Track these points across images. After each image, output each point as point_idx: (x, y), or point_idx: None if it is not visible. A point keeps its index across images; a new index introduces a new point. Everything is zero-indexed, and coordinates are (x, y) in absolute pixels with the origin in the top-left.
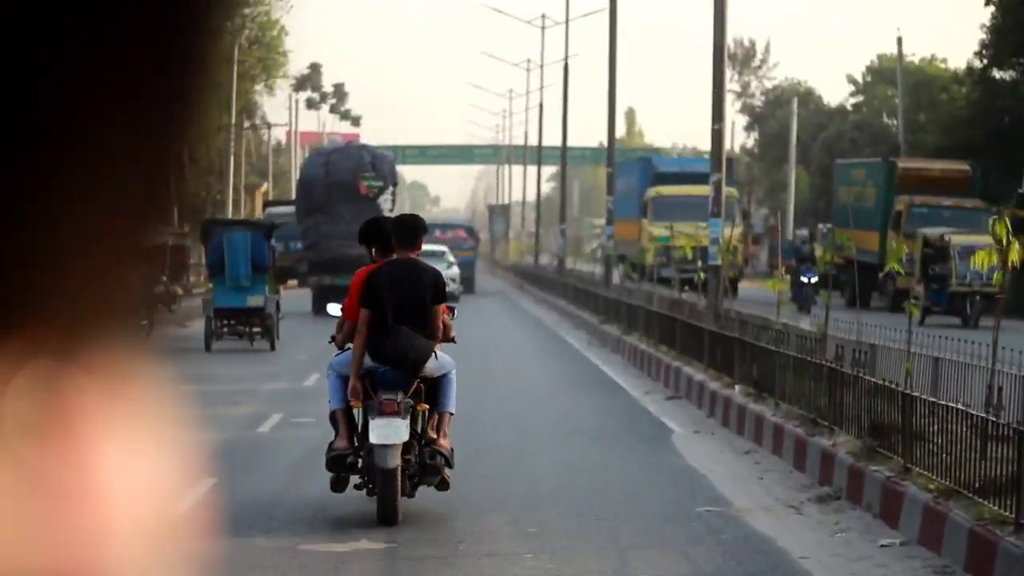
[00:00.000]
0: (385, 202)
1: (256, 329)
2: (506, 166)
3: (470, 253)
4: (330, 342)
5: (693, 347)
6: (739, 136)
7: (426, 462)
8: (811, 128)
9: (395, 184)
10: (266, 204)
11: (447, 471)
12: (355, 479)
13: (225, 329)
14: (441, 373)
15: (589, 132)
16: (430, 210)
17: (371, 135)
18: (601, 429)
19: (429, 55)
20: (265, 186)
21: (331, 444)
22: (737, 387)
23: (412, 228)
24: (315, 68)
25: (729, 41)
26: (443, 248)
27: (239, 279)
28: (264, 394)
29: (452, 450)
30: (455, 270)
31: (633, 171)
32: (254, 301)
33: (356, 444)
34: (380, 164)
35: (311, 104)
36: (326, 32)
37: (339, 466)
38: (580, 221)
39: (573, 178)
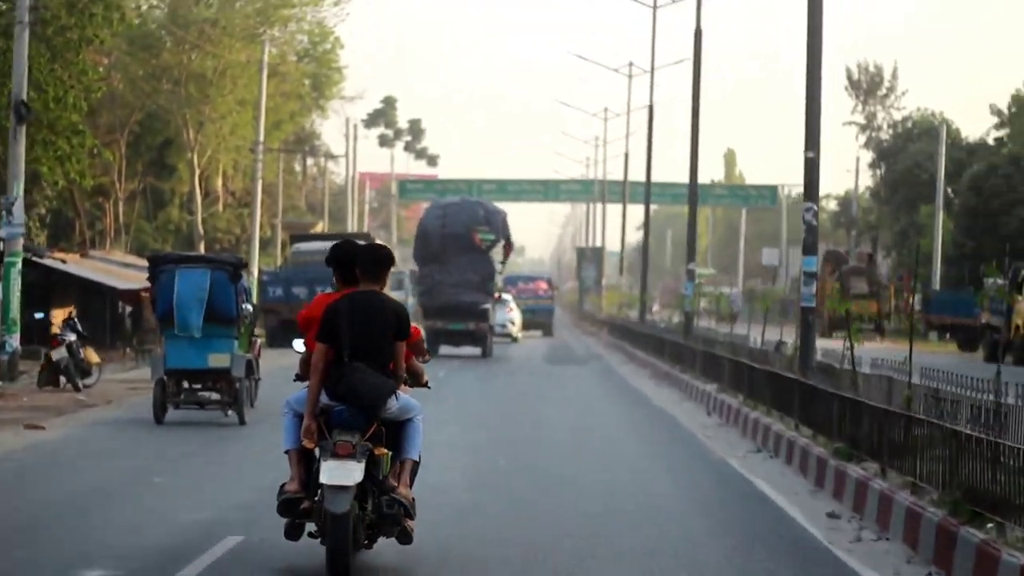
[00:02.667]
0: (497, 254)
1: (220, 397)
2: (598, 204)
3: (549, 302)
4: (295, 380)
5: None
6: (864, 174)
7: (384, 511)
8: (949, 164)
9: (508, 238)
10: (293, 239)
11: (409, 522)
12: (311, 527)
13: (181, 396)
14: (405, 417)
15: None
16: (514, 260)
17: (448, 175)
18: None
19: (509, 93)
20: (320, 225)
21: (282, 487)
22: None
23: (378, 261)
24: (389, 103)
25: (852, 67)
26: (507, 296)
27: (190, 328)
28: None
29: (413, 500)
30: (516, 315)
31: None
32: (217, 360)
33: (310, 488)
34: (493, 218)
35: (384, 141)
36: (398, 64)
37: (291, 511)
38: (675, 272)
39: (665, 227)
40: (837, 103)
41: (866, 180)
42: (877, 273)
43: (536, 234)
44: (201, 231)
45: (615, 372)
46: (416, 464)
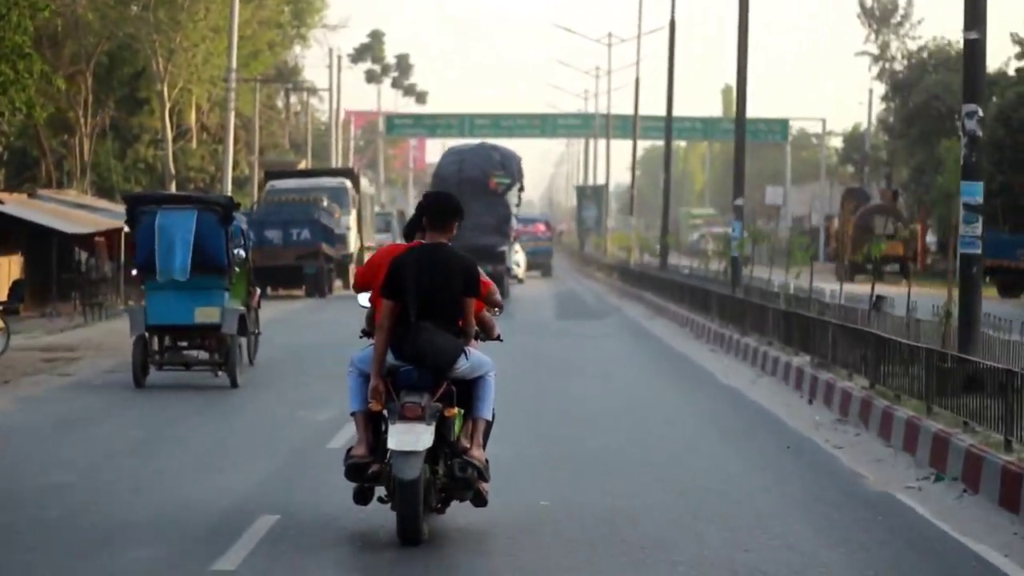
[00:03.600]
0: (512, 197)
1: (208, 355)
2: (598, 139)
3: (548, 243)
4: (361, 337)
5: None
6: (876, 107)
7: (456, 475)
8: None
9: (522, 181)
10: (268, 176)
11: (483, 484)
12: (381, 490)
13: (164, 355)
14: (476, 375)
15: (689, 107)
16: None
17: (437, 110)
18: None
19: (502, 27)
20: (304, 163)
21: (349, 451)
22: None
23: (445, 211)
24: (376, 37)
25: None
26: None
27: (174, 271)
28: None
29: (487, 461)
30: (522, 256)
31: None
32: (205, 315)
33: (378, 451)
34: (508, 162)
35: (371, 77)
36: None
37: (359, 476)
38: (672, 212)
39: (658, 167)
40: (849, 32)
41: (879, 113)
42: (901, 212)
43: (528, 174)
44: (172, 169)
45: (646, 330)
46: (489, 424)
